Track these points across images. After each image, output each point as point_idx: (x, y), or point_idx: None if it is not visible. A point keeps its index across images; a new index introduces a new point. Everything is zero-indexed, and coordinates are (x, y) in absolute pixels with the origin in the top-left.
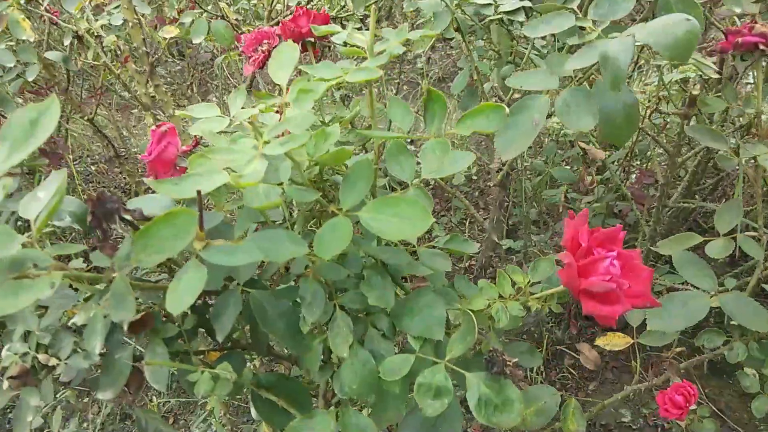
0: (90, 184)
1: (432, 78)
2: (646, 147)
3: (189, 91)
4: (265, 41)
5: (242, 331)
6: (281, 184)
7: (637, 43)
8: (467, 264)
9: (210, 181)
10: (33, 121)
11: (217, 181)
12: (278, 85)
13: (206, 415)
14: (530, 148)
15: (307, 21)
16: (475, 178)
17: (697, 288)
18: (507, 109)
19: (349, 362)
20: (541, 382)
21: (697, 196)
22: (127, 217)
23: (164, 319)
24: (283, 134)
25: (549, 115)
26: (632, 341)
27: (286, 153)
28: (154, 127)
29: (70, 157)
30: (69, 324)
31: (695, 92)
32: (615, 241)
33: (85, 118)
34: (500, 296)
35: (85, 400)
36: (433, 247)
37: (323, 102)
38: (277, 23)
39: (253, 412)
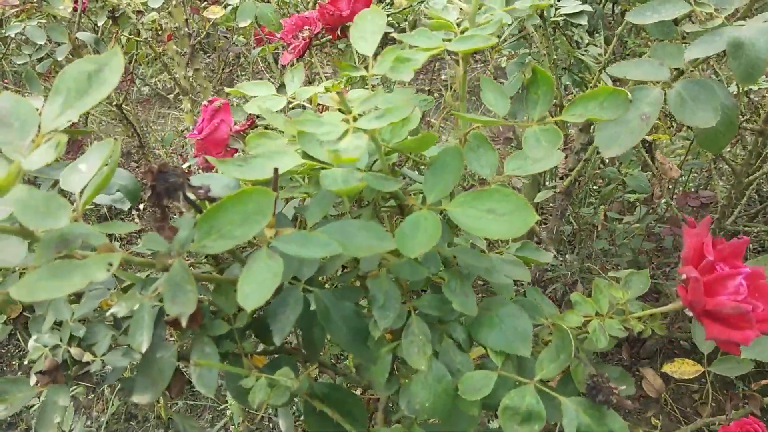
0: None
1: (456, 91)
2: (700, 164)
3: (218, 84)
4: (306, 27)
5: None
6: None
7: None
8: None
9: (285, 160)
10: (92, 73)
11: (292, 160)
12: (360, 56)
13: (224, 423)
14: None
15: (348, 4)
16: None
17: None
18: (629, 95)
19: (422, 376)
20: None
21: (757, 219)
22: (190, 195)
23: (213, 315)
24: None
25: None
26: (703, 370)
27: (370, 133)
28: (206, 103)
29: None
30: (107, 315)
31: None
32: (739, 256)
33: (113, 103)
34: (597, 313)
35: (90, 397)
36: (500, 253)
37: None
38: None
39: (282, 424)
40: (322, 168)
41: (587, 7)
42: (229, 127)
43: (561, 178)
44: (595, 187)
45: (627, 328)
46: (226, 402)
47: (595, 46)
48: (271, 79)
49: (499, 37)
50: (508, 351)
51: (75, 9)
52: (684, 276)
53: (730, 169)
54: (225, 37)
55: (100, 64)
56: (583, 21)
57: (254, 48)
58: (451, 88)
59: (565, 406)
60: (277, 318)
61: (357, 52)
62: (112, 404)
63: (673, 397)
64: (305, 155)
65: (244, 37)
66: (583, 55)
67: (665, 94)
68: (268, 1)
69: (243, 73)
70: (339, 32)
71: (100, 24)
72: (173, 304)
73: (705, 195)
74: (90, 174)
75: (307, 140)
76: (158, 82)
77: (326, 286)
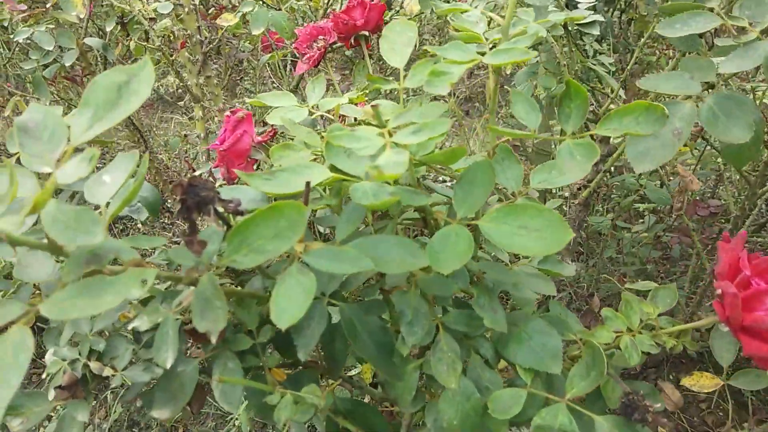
0: None
1: (459, 97)
2: (709, 172)
3: (224, 90)
4: (321, 37)
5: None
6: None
7: None
8: None
9: (315, 174)
10: (122, 84)
11: (321, 174)
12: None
13: None
14: (620, 163)
15: (362, 13)
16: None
17: None
18: (666, 110)
19: (450, 394)
20: None
21: (765, 230)
22: (220, 208)
23: (234, 329)
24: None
25: None
26: (722, 383)
27: (406, 147)
28: (228, 113)
29: None
30: (128, 329)
31: None
32: None
33: None
34: (628, 329)
35: (92, 404)
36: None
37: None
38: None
39: None
40: (345, 180)
41: (599, 17)
42: (251, 137)
43: (579, 189)
44: (612, 197)
45: (658, 343)
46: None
47: (606, 55)
48: (279, 86)
49: None
50: (538, 368)
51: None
52: (719, 291)
53: (736, 179)
54: (230, 43)
55: (130, 75)
56: (596, 31)
57: (262, 54)
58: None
59: (599, 424)
60: (302, 333)
61: (373, 64)
62: (115, 411)
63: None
64: (332, 168)
65: (250, 44)
66: (594, 65)
67: (698, 108)
68: (280, 9)
69: (246, 79)
70: (353, 41)
71: (108, 29)
72: (202, 319)
73: (714, 204)
74: (115, 186)
75: (335, 153)
76: (161, 87)
77: (348, 300)
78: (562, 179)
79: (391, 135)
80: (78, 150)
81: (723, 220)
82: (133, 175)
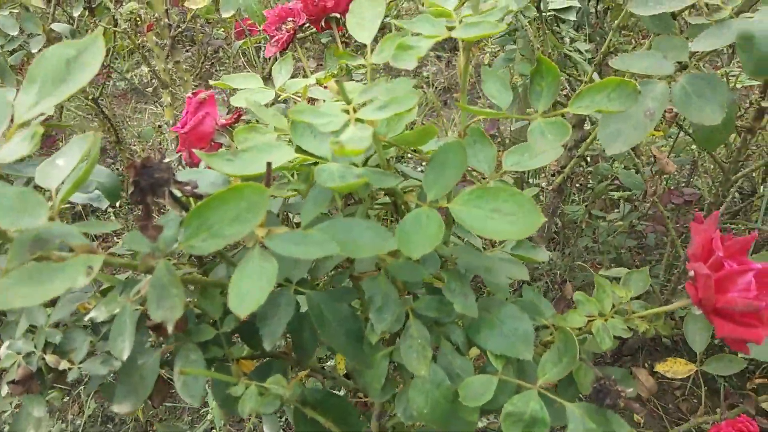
0: None
1: (438, 88)
2: (684, 160)
3: (198, 79)
4: (290, 19)
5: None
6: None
7: None
8: None
9: (278, 154)
10: (70, 59)
11: (286, 154)
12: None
13: (206, 427)
14: (596, 152)
15: None
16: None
17: None
18: (638, 86)
19: (420, 382)
20: None
21: (739, 217)
22: (176, 191)
23: (197, 319)
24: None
25: None
26: (696, 369)
27: (372, 125)
28: (189, 95)
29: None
30: (85, 320)
31: (764, 104)
32: (745, 253)
33: (89, 97)
34: (600, 313)
35: (65, 400)
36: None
37: None
38: None
39: (267, 430)
40: (315, 163)
41: (575, 2)
42: (214, 120)
43: (552, 175)
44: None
45: (631, 328)
46: (207, 404)
47: (583, 42)
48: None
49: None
50: (509, 354)
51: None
52: (692, 273)
53: (711, 168)
54: (204, 30)
55: (79, 49)
56: (572, 16)
57: (234, 41)
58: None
59: (570, 411)
60: (268, 322)
61: (344, 43)
62: (88, 407)
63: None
64: (298, 149)
65: (224, 31)
66: (570, 51)
67: (670, 88)
68: None
69: (222, 68)
70: (323, 23)
71: (75, 15)
72: (158, 308)
73: (688, 192)
74: (68, 169)
75: (300, 133)
76: (135, 77)
77: (320, 288)
78: (535, 161)
79: (356, 111)
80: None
81: (697, 209)
82: (86, 159)
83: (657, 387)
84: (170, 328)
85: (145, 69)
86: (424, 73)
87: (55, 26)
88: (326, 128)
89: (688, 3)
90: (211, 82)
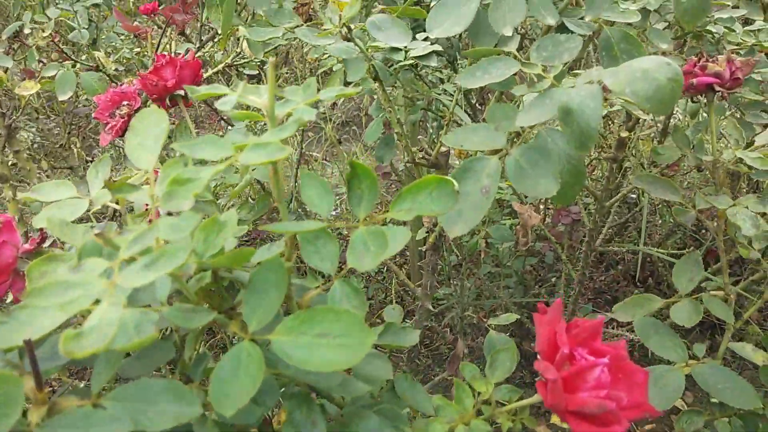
0: None
1: (335, 122)
2: None
3: (66, 151)
4: (125, 102)
5: None
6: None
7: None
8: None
9: (46, 321)
10: None
11: (52, 321)
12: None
13: None
14: None
15: (173, 72)
16: None
17: (668, 362)
18: (456, 184)
19: None
20: None
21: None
22: None
23: None
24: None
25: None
26: None
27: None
28: None
29: None
30: None
31: (623, 134)
32: (597, 336)
33: None
34: (461, 417)
35: None
36: None
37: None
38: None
39: None
40: None
41: (437, 47)
42: (15, 248)
43: (427, 232)
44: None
45: (495, 423)
46: None
47: (452, 84)
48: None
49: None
50: None
51: None
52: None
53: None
54: (64, 101)
55: None
56: (434, 62)
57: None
58: (330, 120)
59: None
60: None
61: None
62: None
63: None
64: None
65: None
66: (439, 95)
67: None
68: (98, 69)
69: (98, 132)
70: (169, 102)
71: None
72: None
73: (575, 211)
74: None
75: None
76: None
77: None
78: (379, 257)
79: (120, 270)
80: None
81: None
82: None
83: None
84: None
85: None
86: (321, 108)
87: None
88: (71, 309)
89: (513, 71)
90: (20, 196)
